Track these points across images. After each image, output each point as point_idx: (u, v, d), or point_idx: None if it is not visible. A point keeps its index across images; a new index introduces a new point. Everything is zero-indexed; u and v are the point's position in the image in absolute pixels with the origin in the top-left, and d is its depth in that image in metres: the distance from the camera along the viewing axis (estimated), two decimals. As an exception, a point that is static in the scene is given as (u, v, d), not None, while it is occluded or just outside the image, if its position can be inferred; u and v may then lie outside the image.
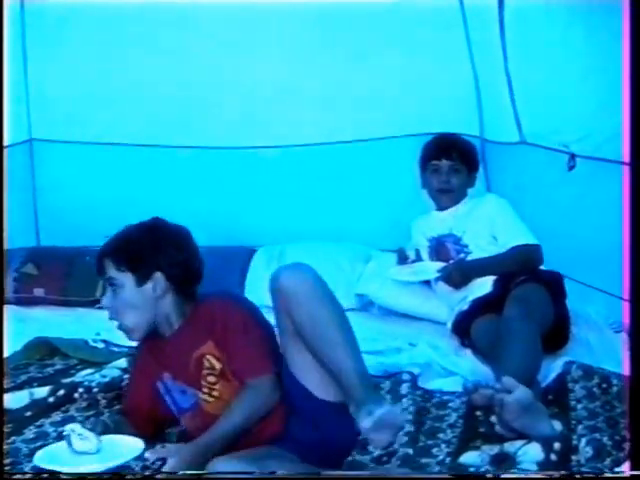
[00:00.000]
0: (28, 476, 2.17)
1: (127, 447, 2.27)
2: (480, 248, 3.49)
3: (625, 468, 2.11)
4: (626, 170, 2.83)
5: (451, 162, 3.58)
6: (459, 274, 3.43)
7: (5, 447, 2.36)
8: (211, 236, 4.17)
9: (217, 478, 2.05)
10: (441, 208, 3.67)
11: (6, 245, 3.89)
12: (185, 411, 2.41)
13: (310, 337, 2.18)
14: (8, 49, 3.90)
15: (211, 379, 2.36)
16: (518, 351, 2.83)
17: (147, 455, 2.24)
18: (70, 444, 2.23)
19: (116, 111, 4.13)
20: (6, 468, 2.33)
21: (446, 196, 3.62)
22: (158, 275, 2.34)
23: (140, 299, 2.34)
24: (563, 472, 2.14)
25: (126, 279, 2.33)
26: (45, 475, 2.15)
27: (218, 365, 2.34)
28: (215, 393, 2.36)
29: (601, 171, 3.32)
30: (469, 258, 3.52)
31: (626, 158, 2.83)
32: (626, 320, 3.09)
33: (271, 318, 3.52)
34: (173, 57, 3.96)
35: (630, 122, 2.19)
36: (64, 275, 4.03)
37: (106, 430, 2.35)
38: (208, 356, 2.34)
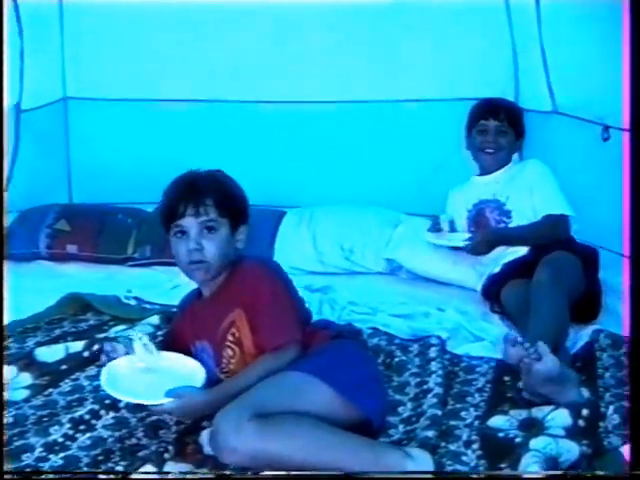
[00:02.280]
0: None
1: (188, 377, 2.28)
2: (523, 215, 3.49)
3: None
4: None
5: (499, 123, 3.56)
6: (484, 243, 3.44)
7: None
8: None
9: (217, 478, 2.07)
10: (483, 171, 3.66)
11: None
12: (211, 382, 2.41)
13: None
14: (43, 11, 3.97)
15: (229, 352, 2.37)
16: (546, 315, 2.84)
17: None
18: (132, 350, 2.27)
19: (149, 68, 4.17)
20: (44, 419, 2.40)
21: (491, 157, 3.60)
22: (243, 228, 2.41)
23: (229, 246, 2.38)
24: (561, 473, 2.15)
25: (224, 224, 2.36)
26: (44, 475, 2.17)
27: (237, 334, 2.35)
28: (231, 367, 2.37)
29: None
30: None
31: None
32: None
33: (300, 281, 3.64)
34: (206, 15, 3.99)
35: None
36: (96, 232, 4.05)
37: None
38: (237, 324, 2.35)
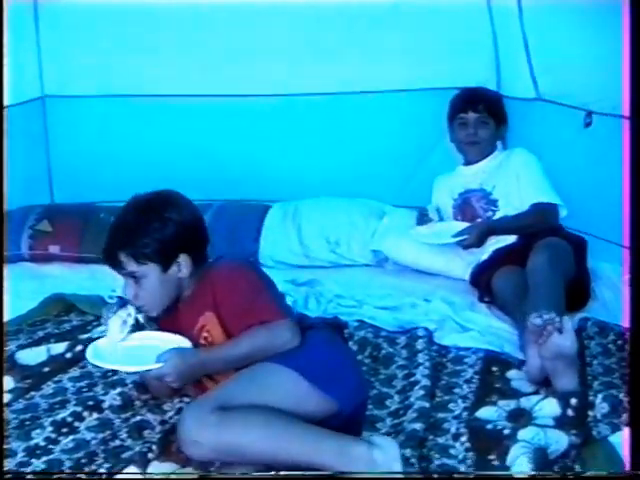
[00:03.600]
0: (29, 476, 2.15)
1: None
2: (510, 204, 3.48)
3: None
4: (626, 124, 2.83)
5: (478, 114, 3.56)
6: (475, 238, 3.42)
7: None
8: (224, 191, 4.21)
9: (217, 478, 2.05)
10: (469, 162, 3.65)
11: (6, 206, 3.83)
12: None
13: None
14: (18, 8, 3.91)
15: None
16: (545, 297, 2.81)
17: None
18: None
19: (129, 63, 4.10)
20: (26, 422, 2.36)
21: (474, 148, 3.60)
22: (183, 257, 2.31)
23: (166, 284, 2.31)
24: (562, 473, 2.13)
25: (149, 270, 2.28)
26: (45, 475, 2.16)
27: (210, 337, 2.30)
28: None
29: (617, 128, 3.30)
30: (497, 216, 3.51)
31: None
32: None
33: (286, 275, 3.63)
34: (186, 7, 3.95)
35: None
36: (79, 232, 4.00)
37: None
38: (207, 328, 2.31)
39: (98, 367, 2.43)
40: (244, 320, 2.23)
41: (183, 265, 2.31)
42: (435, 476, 2.13)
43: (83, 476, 2.14)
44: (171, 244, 2.29)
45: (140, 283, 2.30)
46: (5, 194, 3.46)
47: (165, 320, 2.41)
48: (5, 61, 3.46)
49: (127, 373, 2.46)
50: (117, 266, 2.32)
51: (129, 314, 2.32)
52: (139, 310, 2.34)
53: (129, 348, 2.30)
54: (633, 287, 2.19)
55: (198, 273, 2.34)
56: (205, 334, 2.31)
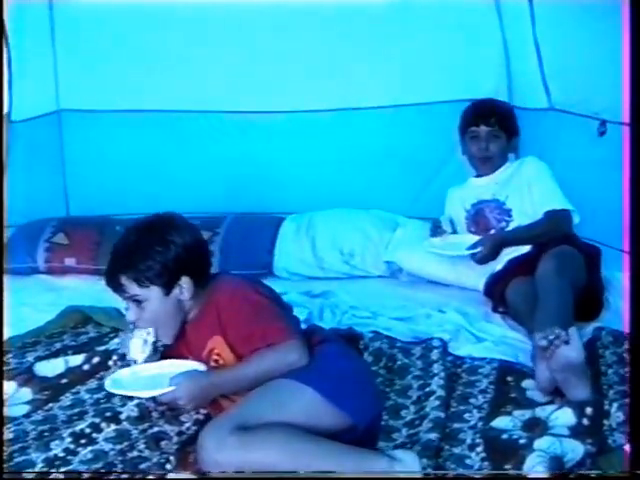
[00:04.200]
0: (29, 476, 2.17)
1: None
2: (523, 213, 3.48)
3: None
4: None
5: (490, 128, 3.53)
6: (489, 250, 3.41)
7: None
8: (238, 204, 4.23)
9: (218, 478, 2.06)
10: (480, 175, 3.65)
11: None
12: None
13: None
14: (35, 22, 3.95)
15: None
16: (553, 304, 2.82)
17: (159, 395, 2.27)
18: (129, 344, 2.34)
19: (144, 78, 4.14)
20: (45, 434, 2.38)
21: (486, 162, 3.59)
22: (184, 279, 2.32)
23: (168, 306, 2.32)
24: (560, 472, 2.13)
25: (152, 292, 2.30)
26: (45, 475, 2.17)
27: (221, 360, 2.33)
28: None
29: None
30: (511, 225, 3.50)
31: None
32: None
33: (300, 286, 3.64)
34: (193, 26, 4.01)
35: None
36: (95, 244, 4.02)
37: None
38: (216, 351, 2.33)
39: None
40: (251, 344, 2.26)
41: (185, 287, 2.32)
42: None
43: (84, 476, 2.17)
44: (173, 267, 2.30)
45: (142, 306, 2.32)
46: (5, 208, 3.48)
47: (175, 342, 2.42)
48: (5, 75, 3.50)
49: (142, 398, 2.45)
50: (119, 289, 2.33)
51: (148, 332, 2.34)
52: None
53: (145, 374, 2.34)
54: (633, 292, 2.20)
55: (201, 294, 2.36)
56: (215, 357, 2.33)
